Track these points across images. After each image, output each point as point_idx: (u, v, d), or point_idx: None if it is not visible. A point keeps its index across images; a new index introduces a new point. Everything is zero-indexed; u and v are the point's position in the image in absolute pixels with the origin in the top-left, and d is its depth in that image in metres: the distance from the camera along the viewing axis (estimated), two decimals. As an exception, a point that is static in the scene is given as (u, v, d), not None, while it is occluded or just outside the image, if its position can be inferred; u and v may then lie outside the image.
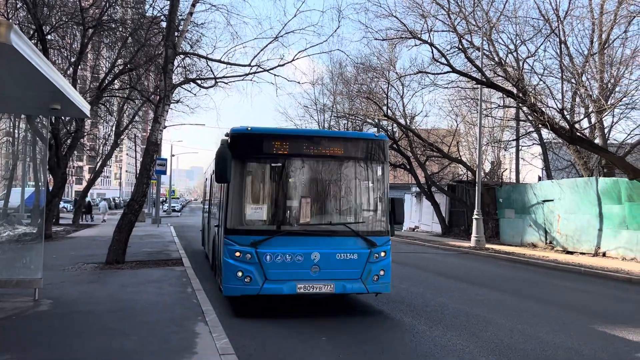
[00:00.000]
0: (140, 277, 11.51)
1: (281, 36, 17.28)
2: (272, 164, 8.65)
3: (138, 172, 15.30)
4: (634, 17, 18.95)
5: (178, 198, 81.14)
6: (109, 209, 40.30)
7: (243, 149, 8.43)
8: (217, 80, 17.87)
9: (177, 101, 23.51)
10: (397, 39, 22.31)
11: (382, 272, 8.71)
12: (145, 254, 15.79)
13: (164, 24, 19.48)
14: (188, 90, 24.21)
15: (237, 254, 8.10)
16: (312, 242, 8.38)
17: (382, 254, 8.76)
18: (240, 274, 8.07)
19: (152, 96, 25.08)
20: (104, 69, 26.93)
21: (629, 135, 24.10)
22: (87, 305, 8.54)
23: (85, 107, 9.22)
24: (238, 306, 8.96)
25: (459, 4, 21.06)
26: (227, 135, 8.58)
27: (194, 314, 7.99)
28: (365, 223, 9.06)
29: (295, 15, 25.91)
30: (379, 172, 9.11)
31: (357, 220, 9.03)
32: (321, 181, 8.97)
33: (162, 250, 17.44)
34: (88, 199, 47.06)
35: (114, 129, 33.94)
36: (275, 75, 20.94)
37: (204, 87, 18.64)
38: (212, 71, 18.44)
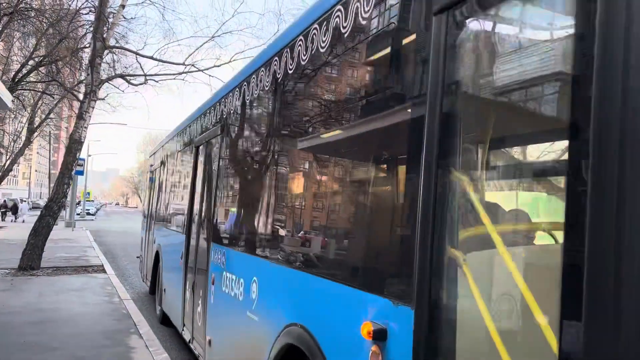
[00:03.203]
0: (60, 285, 10.60)
1: (218, 36, 16.97)
2: None
3: (59, 171, 14.13)
4: None
5: (92, 201, 77.25)
6: (29, 209, 38.18)
7: None
8: (147, 77, 17.08)
9: (104, 98, 22.22)
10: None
11: None
12: (62, 260, 14.67)
13: (88, 17, 18.41)
14: (115, 87, 22.96)
15: None
16: None
17: None
18: None
19: (75, 91, 23.58)
20: (19, 59, 25.00)
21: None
22: (1, 315, 7.69)
23: (6, 96, 8.41)
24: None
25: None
26: None
27: (126, 326, 7.38)
28: None
29: (233, 16, 26.32)
30: None
31: None
32: None
33: (81, 255, 16.30)
34: (13, 198, 43.91)
35: (26, 125, 31.60)
36: (210, 76, 20.55)
37: (132, 84, 17.71)
38: (141, 68, 17.61)
